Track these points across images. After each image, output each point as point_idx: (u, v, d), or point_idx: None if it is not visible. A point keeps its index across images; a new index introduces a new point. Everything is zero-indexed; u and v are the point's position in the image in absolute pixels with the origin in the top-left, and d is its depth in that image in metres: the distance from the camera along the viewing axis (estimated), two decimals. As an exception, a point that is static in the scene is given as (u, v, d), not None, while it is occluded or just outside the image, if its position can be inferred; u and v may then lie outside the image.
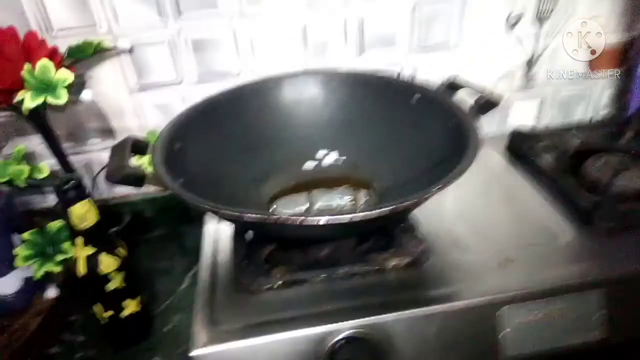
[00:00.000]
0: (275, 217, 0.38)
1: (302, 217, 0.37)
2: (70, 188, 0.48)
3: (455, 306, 0.47)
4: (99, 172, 0.72)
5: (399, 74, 0.67)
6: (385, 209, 0.38)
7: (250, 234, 0.57)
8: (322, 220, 0.37)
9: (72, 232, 0.51)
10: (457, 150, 0.48)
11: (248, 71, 0.71)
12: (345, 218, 0.37)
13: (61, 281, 0.60)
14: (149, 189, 0.78)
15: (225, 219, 0.44)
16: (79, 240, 0.50)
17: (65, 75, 0.55)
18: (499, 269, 0.51)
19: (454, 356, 0.47)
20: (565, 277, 0.49)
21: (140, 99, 0.71)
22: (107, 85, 0.69)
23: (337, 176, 0.64)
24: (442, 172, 0.44)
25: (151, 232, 0.78)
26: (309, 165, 0.65)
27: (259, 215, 0.39)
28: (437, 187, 0.41)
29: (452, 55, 0.75)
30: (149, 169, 0.48)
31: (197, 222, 0.78)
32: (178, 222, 0.79)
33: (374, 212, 0.38)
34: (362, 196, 0.59)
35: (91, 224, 0.50)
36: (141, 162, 0.59)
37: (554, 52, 0.78)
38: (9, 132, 0.70)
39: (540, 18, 0.75)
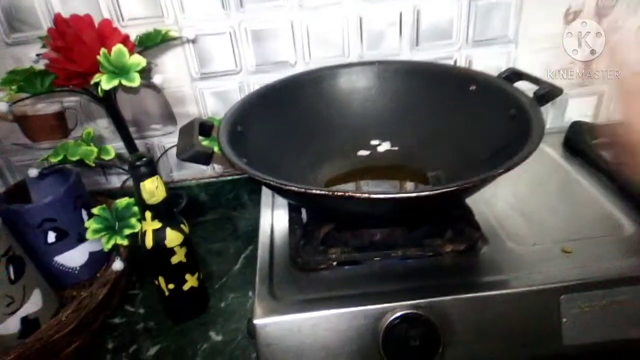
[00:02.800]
0: (340, 192, 0.39)
1: (368, 193, 0.39)
2: (143, 164, 0.51)
3: (512, 292, 0.47)
4: (161, 156, 0.75)
5: (455, 62, 0.67)
6: (450, 188, 0.39)
7: (305, 217, 0.59)
8: (389, 196, 0.38)
9: (142, 207, 0.54)
10: (518, 137, 0.48)
11: (304, 62, 0.73)
12: (411, 195, 0.38)
13: (125, 256, 0.64)
14: (204, 174, 0.81)
15: (288, 195, 0.45)
16: (148, 214, 0.53)
17: (139, 60, 0.58)
18: (556, 259, 0.50)
19: (510, 342, 0.47)
20: (627, 268, 0.48)
21: (200, 87, 0.74)
22: (171, 73, 0.72)
23: (390, 165, 0.65)
24: (501, 161, 0.44)
25: (205, 215, 0.81)
26: (363, 152, 0.66)
27: (323, 192, 0.41)
28: (501, 170, 0.41)
29: (508, 49, 0.75)
30: (215, 148, 0.51)
31: (248, 207, 0.82)
32: (230, 207, 0.82)
33: (438, 190, 0.38)
34: (410, 188, 0.60)
35: (160, 199, 0.53)
36: (206, 143, 0.61)
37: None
38: (78, 116, 0.75)
39: (600, 14, 0.74)
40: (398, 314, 0.45)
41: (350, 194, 0.39)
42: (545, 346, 0.47)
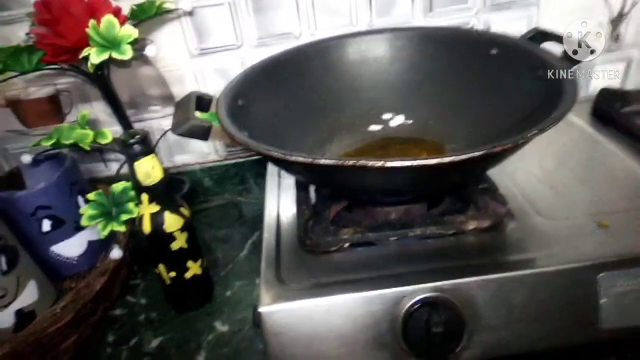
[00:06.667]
0: (351, 162, 0.35)
1: (383, 162, 0.34)
2: (136, 142, 0.47)
3: (544, 272, 0.42)
4: (160, 138, 0.71)
5: (472, 27, 0.62)
6: (478, 152, 0.34)
7: (313, 196, 0.55)
8: (406, 163, 0.33)
9: (138, 189, 0.50)
10: (549, 100, 0.43)
11: (309, 33, 0.69)
12: (432, 161, 0.33)
13: (124, 245, 0.60)
14: (207, 158, 0.77)
15: (294, 169, 0.41)
16: (145, 197, 0.49)
17: (130, 31, 0.54)
18: (592, 234, 0.46)
19: (542, 327, 0.42)
20: (673, 243, 0.43)
21: (200, 64, 0.70)
22: (168, 50, 0.68)
23: (405, 139, 0.60)
24: (528, 127, 0.40)
25: (210, 202, 0.77)
26: (375, 127, 0.61)
27: (332, 161, 0.36)
28: (535, 131, 0.36)
29: (529, 13, 0.69)
30: (214, 122, 0.47)
31: (254, 192, 0.78)
32: (236, 192, 0.78)
33: (464, 156, 0.34)
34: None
35: (156, 180, 0.49)
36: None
37: (644, 8, 0.70)
38: (73, 99, 0.71)
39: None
40: (418, 298, 0.41)
41: (362, 162, 0.34)
42: (582, 330, 0.43)
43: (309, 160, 0.37)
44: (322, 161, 0.36)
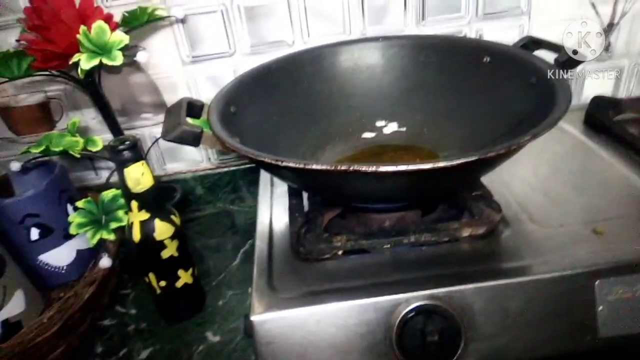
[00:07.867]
0: (344, 167, 0.35)
1: (375, 166, 0.34)
2: (126, 148, 0.46)
3: (540, 279, 0.42)
4: (151, 145, 0.70)
5: (465, 36, 0.63)
6: (472, 158, 0.34)
7: (306, 203, 0.54)
8: (400, 168, 0.33)
9: (127, 197, 0.49)
10: (541, 106, 0.43)
11: (302, 41, 0.68)
12: (426, 166, 0.33)
13: (114, 253, 0.59)
14: (199, 166, 0.76)
15: (286, 175, 0.41)
16: (134, 204, 0.49)
17: (121, 37, 0.53)
18: (587, 241, 0.45)
19: (539, 335, 0.42)
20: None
21: (192, 71, 0.69)
22: (160, 57, 0.68)
23: (398, 147, 0.60)
24: (521, 133, 0.39)
25: (202, 210, 0.76)
26: (368, 135, 0.61)
27: (325, 167, 0.36)
28: (528, 137, 0.36)
29: (520, 22, 0.70)
30: (205, 129, 0.46)
31: (247, 200, 0.77)
32: (228, 200, 0.77)
33: (458, 161, 0.33)
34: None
35: (146, 187, 0.48)
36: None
37: (634, 18, 0.71)
38: (64, 106, 0.70)
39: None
40: (413, 306, 0.40)
41: (355, 167, 0.34)
42: (579, 338, 0.42)
43: (301, 165, 0.36)
44: (314, 166, 0.35)
